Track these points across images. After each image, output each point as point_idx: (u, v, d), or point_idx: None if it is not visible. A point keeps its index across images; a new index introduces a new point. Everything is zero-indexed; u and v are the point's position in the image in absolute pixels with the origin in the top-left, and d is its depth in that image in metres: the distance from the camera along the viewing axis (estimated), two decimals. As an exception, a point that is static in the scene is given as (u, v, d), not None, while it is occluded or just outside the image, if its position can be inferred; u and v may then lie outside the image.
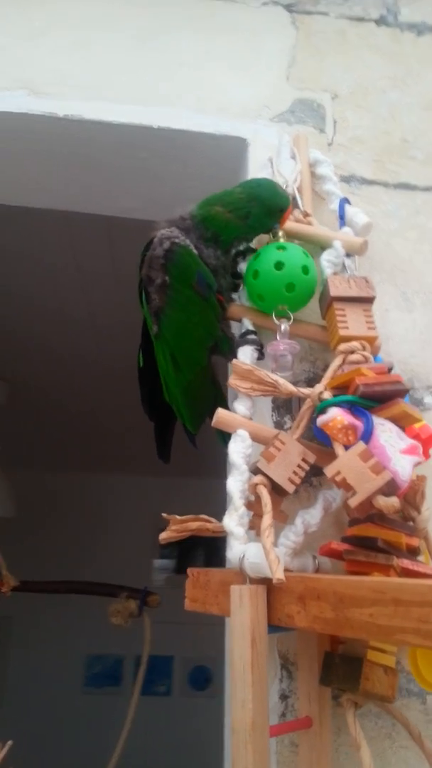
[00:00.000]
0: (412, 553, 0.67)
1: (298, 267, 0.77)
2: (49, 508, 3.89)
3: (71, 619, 3.54)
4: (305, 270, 0.77)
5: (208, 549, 4.31)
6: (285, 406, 0.84)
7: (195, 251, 0.79)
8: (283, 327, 0.78)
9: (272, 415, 0.84)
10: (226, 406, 0.89)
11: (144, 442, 3.84)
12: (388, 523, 0.65)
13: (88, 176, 1.06)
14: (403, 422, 0.69)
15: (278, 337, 0.78)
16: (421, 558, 0.68)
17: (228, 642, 0.92)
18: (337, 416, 0.66)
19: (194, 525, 0.74)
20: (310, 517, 0.70)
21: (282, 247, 0.78)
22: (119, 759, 1.57)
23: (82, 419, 3.16)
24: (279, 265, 0.77)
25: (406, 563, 0.63)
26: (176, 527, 0.75)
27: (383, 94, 1.07)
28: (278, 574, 0.56)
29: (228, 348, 0.83)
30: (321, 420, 0.67)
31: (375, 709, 0.73)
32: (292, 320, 0.78)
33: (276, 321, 0.79)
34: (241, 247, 0.88)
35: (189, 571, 0.77)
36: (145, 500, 4.03)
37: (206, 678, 3.80)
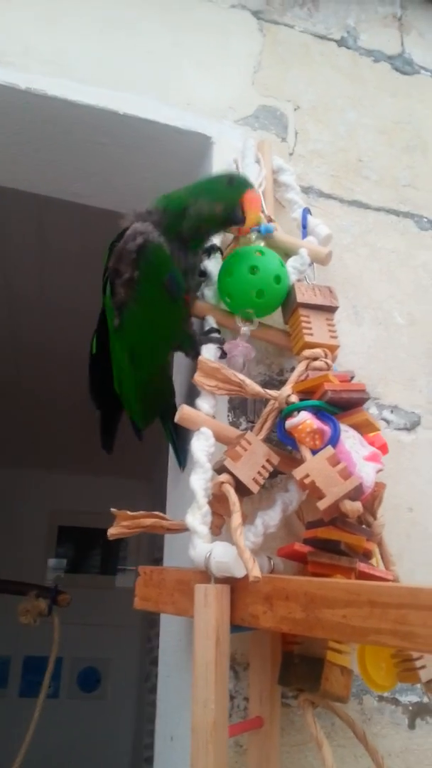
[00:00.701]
0: (366, 556, 0.69)
1: (271, 275, 0.77)
2: None
3: None
4: (277, 279, 0.78)
5: (105, 551, 4.24)
6: (241, 407, 0.85)
7: (168, 250, 0.77)
8: (243, 330, 0.78)
9: (228, 416, 0.84)
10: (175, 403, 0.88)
11: (43, 436, 3.72)
12: (349, 527, 0.67)
13: (42, 154, 1.01)
14: (363, 430, 0.72)
15: (237, 339, 0.79)
16: (373, 562, 0.71)
17: (166, 640, 0.91)
18: (306, 420, 0.67)
19: (148, 522, 0.73)
20: (269, 518, 0.71)
21: (260, 252, 0.79)
22: (21, 763, 1.50)
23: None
24: (253, 270, 0.77)
25: (363, 566, 0.66)
26: (127, 523, 0.73)
27: (342, 112, 1.10)
28: (255, 573, 0.56)
29: (190, 345, 0.82)
30: (290, 423, 0.68)
31: (316, 709, 0.74)
32: (256, 325, 0.79)
33: (239, 323, 0.79)
34: (207, 245, 0.87)
35: (141, 569, 0.75)
36: (42, 496, 3.91)
37: (95, 679, 3.73)
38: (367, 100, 1.13)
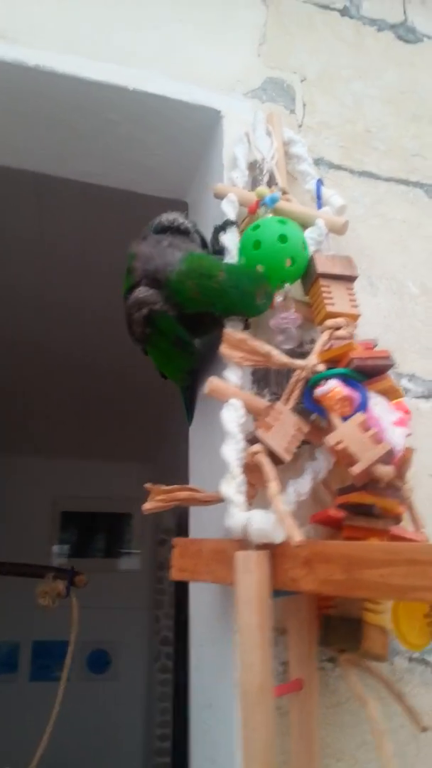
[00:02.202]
0: (396, 520, 0.70)
1: (299, 242, 0.78)
2: None
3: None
4: (304, 246, 0.78)
5: (110, 534, 4.28)
6: (264, 379, 0.85)
7: (172, 315, 0.79)
8: (278, 300, 0.78)
9: (252, 388, 0.84)
10: None
11: (45, 423, 3.73)
12: (380, 491, 0.68)
13: (52, 134, 1.01)
14: (388, 396, 0.73)
15: (279, 311, 0.79)
16: (402, 525, 0.72)
17: (196, 611, 0.92)
18: (336, 387, 0.68)
19: (182, 495, 0.74)
20: (300, 486, 0.72)
21: (283, 222, 0.79)
22: (45, 747, 1.53)
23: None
24: (283, 239, 0.77)
25: (395, 529, 0.67)
26: (162, 497, 0.74)
27: (348, 83, 1.09)
28: (297, 537, 0.57)
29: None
30: (320, 391, 0.69)
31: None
32: (289, 293, 0.79)
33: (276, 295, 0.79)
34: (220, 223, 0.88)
35: (175, 541, 0.76)
36: (45, 482, 3.93)
37: (105, 661, 3.77)
38: (372, 71, 1.12)
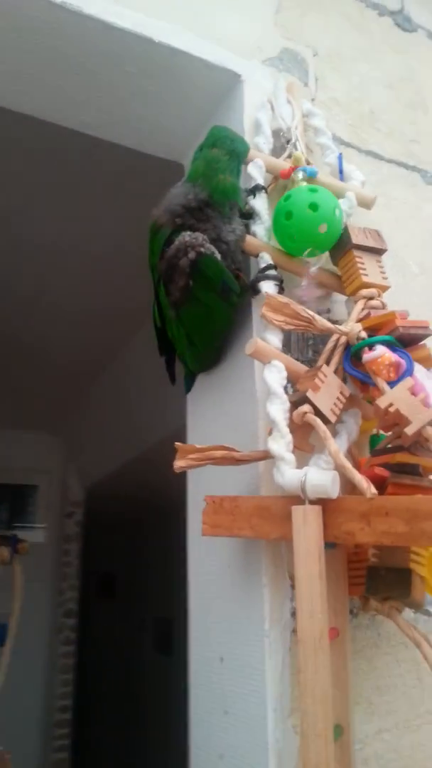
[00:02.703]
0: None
1: (332, 209, 0.79)
2: None
3: None
4: (338, 213, 0.80)
5: (13, 506, 4.16)
6: (286, 344, 0.87)
7: (219, 256, 0.79)
8: (312, 269, 0.80)
9: (276, 352, 0.86)
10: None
11: None
12: (420, 452, 0.72)
13: (64, 79, 0.95)
14: (424, 364, 0.77)
15: (306, 282, 0.80)
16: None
17: (198, 572, 0.93)
18: (384, 353, 0.71)
19: (218, 454, 0.74)
20: (338, 446, 0.75)
21: (314, 190, 0.80)
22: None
23: None
24: (314, 207, 0.79)
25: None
26: (195, 456, 0.75)
27: (355, 63, 1.12)
28: (372, 490, 0.60)
29: (248, 285, 0.84)
30: (369, 356, 0.71)
31: (365, 621, 0.80)
32: (323, 261, 0.81)
33: (308, 262, 0.80)
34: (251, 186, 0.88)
35: (208, 498, 0.76)
36: None
37: (5, 635, 3.67)
38: (375, 54, 1.15)
